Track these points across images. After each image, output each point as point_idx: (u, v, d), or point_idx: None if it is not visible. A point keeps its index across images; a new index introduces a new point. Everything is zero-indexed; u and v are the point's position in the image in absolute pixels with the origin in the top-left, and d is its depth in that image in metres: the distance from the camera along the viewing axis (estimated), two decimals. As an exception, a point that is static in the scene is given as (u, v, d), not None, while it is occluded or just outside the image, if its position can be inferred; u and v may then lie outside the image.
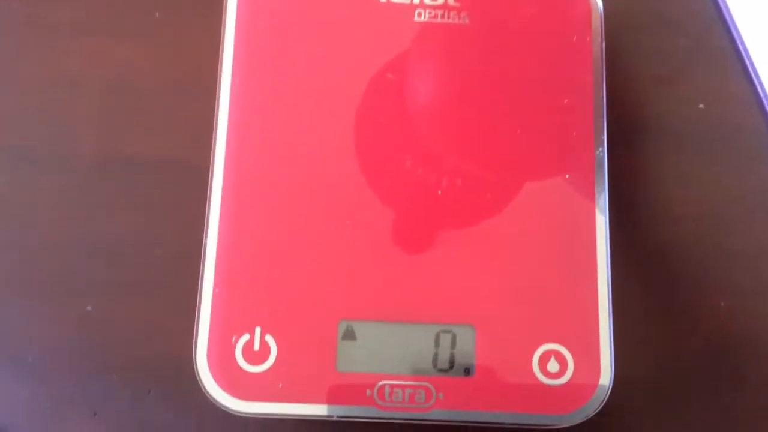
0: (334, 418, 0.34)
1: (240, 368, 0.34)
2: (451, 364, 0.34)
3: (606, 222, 0.35)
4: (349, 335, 0.35)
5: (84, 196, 0.38)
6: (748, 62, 0.41)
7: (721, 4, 0.42)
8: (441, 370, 0.34)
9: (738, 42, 0.41)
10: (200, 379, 0.34)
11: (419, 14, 0.37)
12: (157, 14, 0.40)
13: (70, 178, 0.38)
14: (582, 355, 0.34)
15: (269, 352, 0.34)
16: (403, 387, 0.34)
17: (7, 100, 0.39)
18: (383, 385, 0.34)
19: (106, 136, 0.39)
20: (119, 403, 0.36)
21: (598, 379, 0.34)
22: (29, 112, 0.39)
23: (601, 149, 0.36)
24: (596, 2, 0.38)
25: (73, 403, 0.36)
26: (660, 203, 0.39)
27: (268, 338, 0.34)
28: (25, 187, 0.38)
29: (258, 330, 0.34)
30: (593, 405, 0.34)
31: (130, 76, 0.40)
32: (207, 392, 0.34)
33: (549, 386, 0.34)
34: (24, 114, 0.39)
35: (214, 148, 0.35)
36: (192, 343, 0.34)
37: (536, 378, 0.34)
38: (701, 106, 0.40)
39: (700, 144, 0.40)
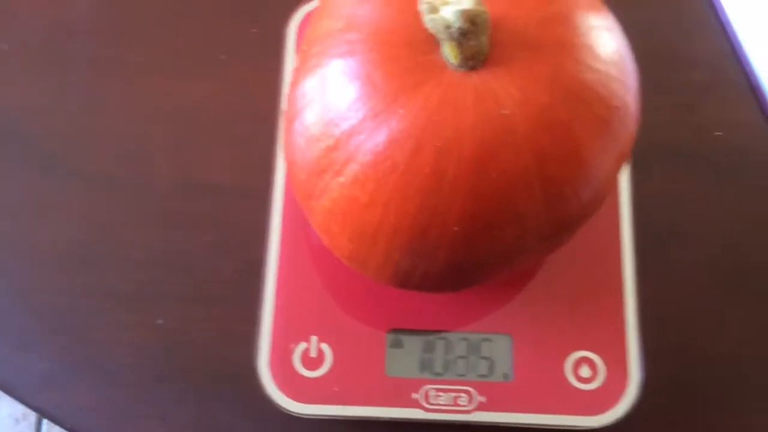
0: (384, 420, 0.37)
1: (298, 373, 0.37)
2: (491, 369, 0.37)
3: (631, 239, 0.39)
4: (397, 344, 0.38)
5: (158, 217, 0.42)
6: (760, 93, 0.44)
7: (734, 41, 0.45)
8: (482, 376, 0.37)
9: (750, 74, 0.44)
10: (262, 384, 0.37)
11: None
12: (222, 57, 0.45)
13: (146, 199, 0.43)
14: (612, 361, 0.37)
15: (324, 359, 0.37)
16: (447, 391, 0.37)
17: (94, 133, 0.44)
18: (429, 389, 0.37)
19: (178, 164, 0.43)
20: (186, 407, 0.40)
21: (627, 383, 0.37)
22: (112, 143, 0.43)
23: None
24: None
25: (144, 408, 0.40)
26: (681, 223, 0.42)
27: (324, 346, 0.38)
28: (108, 209, 0.42)
29: (314, 339, 0.38)
30: (624, 407, 0.37)
31: (199, 111, 0.44)
32: (268, 395, 0.37)
33: (582, 390, 0.37)
34: (107, 144, 0.43)
35: (275, 174, 0.39)
36: (254, 352, 0.37)
37: (569, 383, 0.37)
38: (718, 133, 0.44)
39: (719, 168, 0.43)
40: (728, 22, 0.45)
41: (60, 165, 0.43)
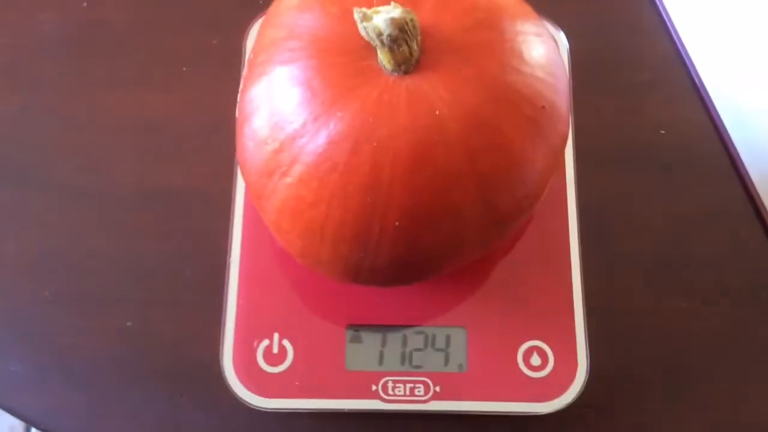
0: (345, 411, 0.38)
1: (261, 369, 0.39)
2: (446, 361, 0.39)
3: (578, 235, 0.40)
4: (356, 338, 0.40)
5: (124, 225, 0.44)
6: (703, 92, 0.46)
7: (677, 42, 0.47)
8: (437, 367, 0.39)
9: (694, 75, 0.46)
10: (226, 380, 0.38)
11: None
12: (184, 68, 0.47)
13: (112, 208, 0.44)
14: (561, 350, 0.39)
15: (286, 355, 0.39)
16: (404, 382, 0.39)
17: (60, 145, 0.45)
18: (387, 381, 0.39)
19: (143, 173, 0.45)
20: (156, 406, 0.41)
21: (575, 371, 0.39)
22: (77, 155, 0.45)
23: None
24: (563, 40, 0.43)
25: (116, 407, 0.41)
26: (628, 219, 0.44)
27: (285, 342, 0.39)
28: (75, 219, 0.44)
29: (276, 336, 0.39)
30: (572, 393, 0.38)
31: (162, 122, 0.45)
32: (233, 391, 0.38)
33: (532, 378, 0.39)
34: (73, 156, 0.45)
35: (235, 181, 0.41)
36: (218, 351, 0.39)
37: (521, 371, 0.39)
38: (662, 132, 0.46)
39: (664, 165, 0.45)
40: (672, 25, 0.47)
41: (27, 177, 0.44)
